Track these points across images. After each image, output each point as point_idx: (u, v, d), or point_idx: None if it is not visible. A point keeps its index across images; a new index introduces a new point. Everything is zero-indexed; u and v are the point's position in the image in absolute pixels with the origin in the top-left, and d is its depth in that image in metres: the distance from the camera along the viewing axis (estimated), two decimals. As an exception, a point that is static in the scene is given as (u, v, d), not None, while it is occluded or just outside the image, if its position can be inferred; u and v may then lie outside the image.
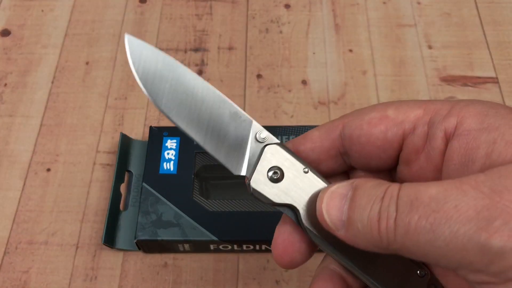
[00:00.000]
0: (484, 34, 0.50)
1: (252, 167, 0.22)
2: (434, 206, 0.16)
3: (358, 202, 0.19)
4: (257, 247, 0.37)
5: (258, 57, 0.49)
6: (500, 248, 0.15)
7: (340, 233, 0.20)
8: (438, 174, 0.21)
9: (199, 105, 0.22)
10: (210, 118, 0.22)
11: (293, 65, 0.48)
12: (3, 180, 0.42)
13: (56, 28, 0.51)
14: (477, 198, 0.16)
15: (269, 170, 0.22)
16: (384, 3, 0.53)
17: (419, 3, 0.53)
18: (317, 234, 0.22)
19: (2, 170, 0.43)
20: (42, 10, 0.52)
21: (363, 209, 0.18)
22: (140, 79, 0.21)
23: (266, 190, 0.22)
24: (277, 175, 0.22)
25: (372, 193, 0.18)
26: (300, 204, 0.22)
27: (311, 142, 0.23)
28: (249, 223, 0.36)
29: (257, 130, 0.23)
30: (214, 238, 0.36)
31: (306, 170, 0.22)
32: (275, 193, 0.22)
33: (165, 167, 0.39)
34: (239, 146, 0.23)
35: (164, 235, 0.36)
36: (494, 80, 0.47)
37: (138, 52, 0.22)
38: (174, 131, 0.41)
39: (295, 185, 0.22)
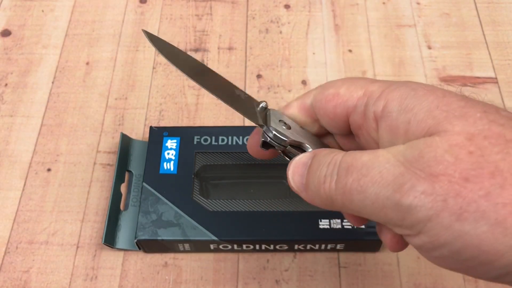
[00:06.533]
0: (484, 34, 0.50)
1: (265, 121, 0.27)
2: (364, 171, 0.20)
3: (312, 167, 0.23)
4: (257, 247, 0.37)
5: (258, 57, 0.49)
6: (408, 206, 0.19)
7: (303, 195, 0.24)
8: (378, 146, 0.24)
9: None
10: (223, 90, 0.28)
11: (293, 65, 0.48)
12: (3, 180, 0.42)
13: (56, 28, 0.51)
14: (395, 166, 0.20)
15: (279, 121, 0.27)
16: (384, 3, 0.53)
17: (418, 3, 0.53)
18: None
19: (2, 170, 0.43)
20: (43, 10, 0.53)
21: (314, 173, 0.23)
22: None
23: (282, 131, 0.26)
24: (286, 125, 0.27)
25: (322, 160, 0.23)
26: (310, 144, 0.27)
27: (292, 110, 0.27)
28: (249, 223, 0.37)
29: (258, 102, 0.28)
30: (214, 238, 0.36)
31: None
32: (290, 133, 0.26)
33: (165, 167, 0.39)
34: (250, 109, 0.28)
35: (164, 235, 0.36)
36: (494, 80, 0.47)
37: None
38: (174, 131, 0.41)
39: (299, 132, 0.27)
